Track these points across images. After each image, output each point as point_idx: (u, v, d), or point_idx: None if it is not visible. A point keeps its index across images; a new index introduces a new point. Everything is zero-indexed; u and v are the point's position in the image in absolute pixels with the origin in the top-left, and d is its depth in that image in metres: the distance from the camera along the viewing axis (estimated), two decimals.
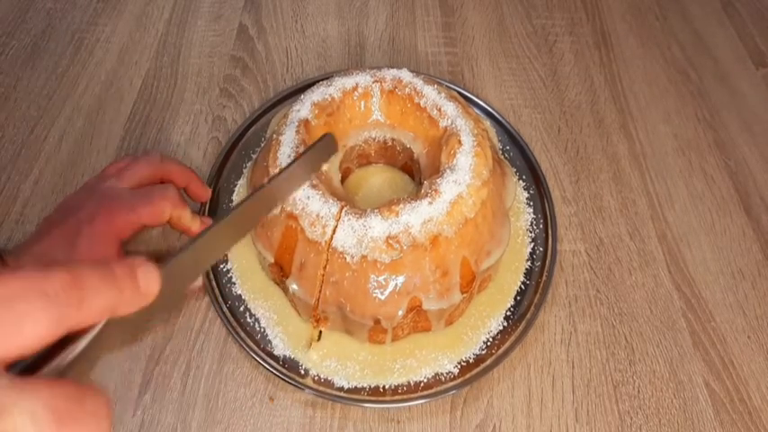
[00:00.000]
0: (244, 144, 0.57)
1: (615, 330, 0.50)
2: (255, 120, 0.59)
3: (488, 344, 0.47)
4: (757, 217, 0.57)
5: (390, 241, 0.41)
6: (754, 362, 0.48)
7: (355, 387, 0.45)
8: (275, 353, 0.46)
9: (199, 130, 0.61)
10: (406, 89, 0.50)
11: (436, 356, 0.46)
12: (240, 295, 0.49)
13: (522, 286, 0.50)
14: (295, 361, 0.46)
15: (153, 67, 0.66)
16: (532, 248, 0.52)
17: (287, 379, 0.44)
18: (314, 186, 0.43)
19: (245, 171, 0.56)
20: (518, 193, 0.55)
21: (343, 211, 0.42)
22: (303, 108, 0.48)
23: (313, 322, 0.46)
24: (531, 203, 0.55)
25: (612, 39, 0.71)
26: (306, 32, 0.70)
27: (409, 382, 0.45)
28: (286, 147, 0.46)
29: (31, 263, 0.39)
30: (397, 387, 0.45)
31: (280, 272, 0.45)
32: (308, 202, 0.43)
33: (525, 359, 0.48)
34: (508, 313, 0.49)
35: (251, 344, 0.46)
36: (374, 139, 0.53)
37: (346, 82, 0.50)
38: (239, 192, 0.55)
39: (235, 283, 0.50)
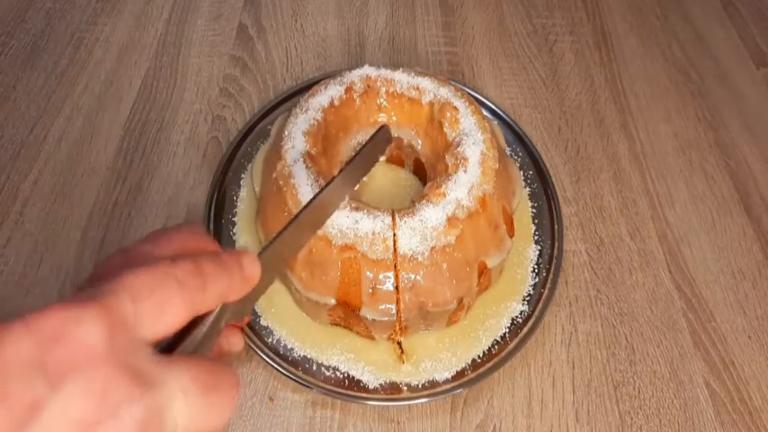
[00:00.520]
0: (245, 148, 0.57)
1: (616, 330, 0.50)
2: (256, 123, 0.58)
3: (492, 345, 0.47)
4: (757, 217, 0.57)
5: (452, 221, 0.43)
6: (755, 362, 0.48)
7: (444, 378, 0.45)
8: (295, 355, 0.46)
9: (198, 130, 0.61)
10: (378, 83, 0.51)
11: (437, 356, 0.46)
12: (306, 356, 0.46)
13: (528, 287, 0.50)
14: (356, 379, 0.45)
15: (153, 67, 0.66)
16: (537, 249, 0.52)
17: (294, 377, 0.44)
18: (355, 209, 0.43)
19: (244, 176, 0.56)
20: (524, 194, 0.55)
21: (397, 217, 0.43)
22: (297, 142, 0.47)
23: (397, 336, 0.46)
24: (536, 203, 0.55)
25: (613, 38, 0.71)
26: (306, 32, 0.70)
27: (410, 382, 0.45)
28: (305, 186, 0.44)
29: None
30: (397, 386, 0.45)
31: (346, 309, 0.45)
32: (358, 225, 0.42)
33: (525, 359, 0.48)
34: (513, 314, 0.48)
35: (259, 343, 0.46)
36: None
37: (322, 100, 0.50)
38: (241, 199, 0.54)
39: (292, 348, 0.47)
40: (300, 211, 0.34)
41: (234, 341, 0.35)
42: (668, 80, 0.67)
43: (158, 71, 0.65)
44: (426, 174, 0.52)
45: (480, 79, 0.66)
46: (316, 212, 0.36)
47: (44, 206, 0.55)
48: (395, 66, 0.52)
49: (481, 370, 0.45)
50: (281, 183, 0.46)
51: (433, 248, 0.43)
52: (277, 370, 0.45)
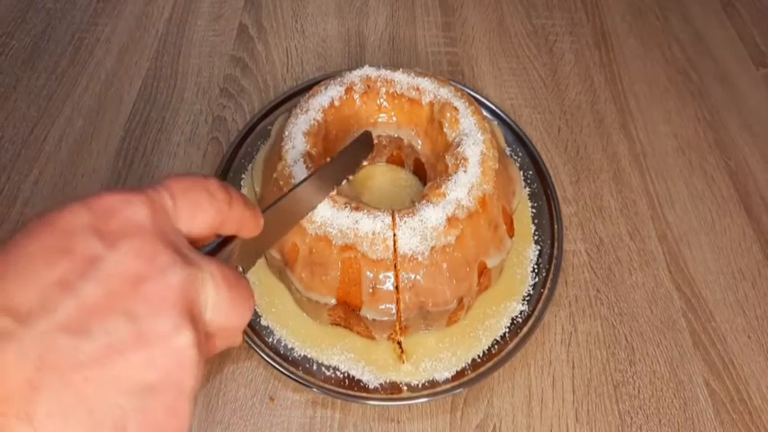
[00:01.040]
0: (245, 148, 0.57)
1: (615, 330, 0.50)
2: (256, 123, 0.58)
3: (492, 345, 0.47)
4: (757, 217, 0.57)
5: (452, 221, 0.43)
6: (755, 362, 0.48)
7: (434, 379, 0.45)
8: (295, 354, 0.46)
9: (199, 130, 0.61)
10: (378, 83, 0.51)
11: (437, 356, 0.46)
12: (306, 356, 0.46)
13: (528, 287, 0.50)
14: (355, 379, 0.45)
15: (153, 67, 0.66)
16: (536, 249, 0.52)
17: (294, 377, 0.44)
18: (355, 209, 0.43)
19: (245, 176, 0.56)
20: (524, 194, 0.55)
21: (397, 217, 0.43)
22: (297, 143, 0.47)
23: (397, 336, 0.46)
24: (536, 203, 0.55)
25: (612, 39, 0.71)
26: (306, 32, 0.70)
27: (410, 382, 0.45)
28: None
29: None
30: (397, 386, 0.45)
31: (346, 309, 0.45)
32: (358, 225, 0.42)
33: (525, 359, 0.48)
34: (513, 314, 0.48)
35: (259, 342, 0.46)
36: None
37: (322, 101, 0.50)
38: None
39: (292, 348, 0.47)
40: (279, 199, 0.37)
41: None
42: (668, 80, 0.67)
43: (159, 71, 0.66)
44: (426, 174, 0.52)
45: (480, 79, 0.66)
46: (294, 204, 0.40)
47: (45, 207, 0.55)
48: (395, 66, 0.52)
49: (481, 370, 0.45)
50: (281, 183, 0.46)
51: (433, 248, 0.43)
52: (277, 370, 0.45)
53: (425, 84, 0.51)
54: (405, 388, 0.45)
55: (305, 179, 0.41)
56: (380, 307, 0.44)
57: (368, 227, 0.42)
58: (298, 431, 0.44)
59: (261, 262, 0.50)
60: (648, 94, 0.66)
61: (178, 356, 0.22)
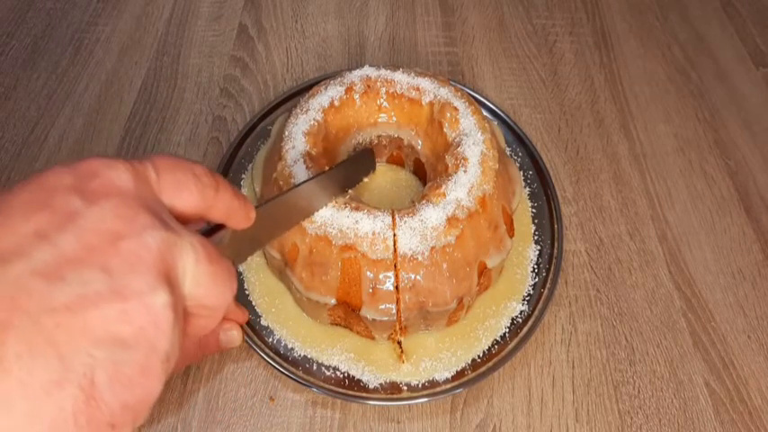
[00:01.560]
0: (245, 148, 0.57)
1: (615, 330, 0.50)
2: (256, 123, 0.58)
3: (492, 345, 0.47)
4: (757, 217, 0.57)
5: (452, 221, 0.43)
6: (755, 362, 0.48)
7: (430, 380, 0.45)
8: (295, 355, 0.46)
9: (199, 131, 0.61)
10: (378, 83, 0.51)
11: (437, 356, 0.46)
12: (306, 356, 0.46)
13: (528, 287, 0.50)
14: (355, 379, 0.45)
15: (153, 67, 0.66)
16: (536, 249, 0.52)
17: (294, 377, 0.44)
18: (355, 208, 0.43)
19: (245, 176, 0.56)
20: (524, 194, 0.55)
21: (397, 217, 0.43)
22: (297, 143, 0.47)
23: (397, 335, 0.46)
24: (536, 203, 0.55)
25: (612, 39, 0.71)
26: (306, 32, 0.70)
27: (410, 382, 0.45)
28: None
29: None
30: (399, 386, 0.45)
31: (346, 309, 0.45)
32: (358, 225, 0.42)
33: (525, 359, 0.48)
34: (513, 314, 0.49)
35: (259, 342, 0.46)
36: (370, 142, 0.53)
37: (322, 101, 0.50)
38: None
39: (292, 348, 0.47)
40: (274, 197, 0.38)
41: (232, 335, 0.36)
42: (668, 80, 0.67)
43: (159, 71, 0.66)
44: (426, 174, 0.52)
45: (480, 79, 0.66)
46: (289, 205, 0.40)
47: None
48: (395, 66, 0.52)
49: (481, 370, 0.45)
50: (281, 183, 0.46)
51: (433, 248, 0.43)
52: (277, 370, 0.45)
53: (425, 84, 0.51)
54: (405, 388, 0.45)
55: (303, 182, 0.41)
56: (380, 307, 0.44)
57: (368, 227, 0.42)
58: (298, 431, 0.44)
59: (261, 262, 0.50)
60: (648, 94, 0.66)
61: (153, 315, 0.22)
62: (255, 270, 0.50)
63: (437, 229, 0.43)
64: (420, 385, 0.45)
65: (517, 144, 0.58)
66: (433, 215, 0.43)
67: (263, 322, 0.48)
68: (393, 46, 0.69)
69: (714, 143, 0.62)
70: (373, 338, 0.46)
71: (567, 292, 0.51)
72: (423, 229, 0.43)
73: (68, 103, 0.62)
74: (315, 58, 0.68)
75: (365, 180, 0.49)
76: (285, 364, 0.45)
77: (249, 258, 0.50)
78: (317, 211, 0.43)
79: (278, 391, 0.46)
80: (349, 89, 0.51)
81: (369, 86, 0.51)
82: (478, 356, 0.46)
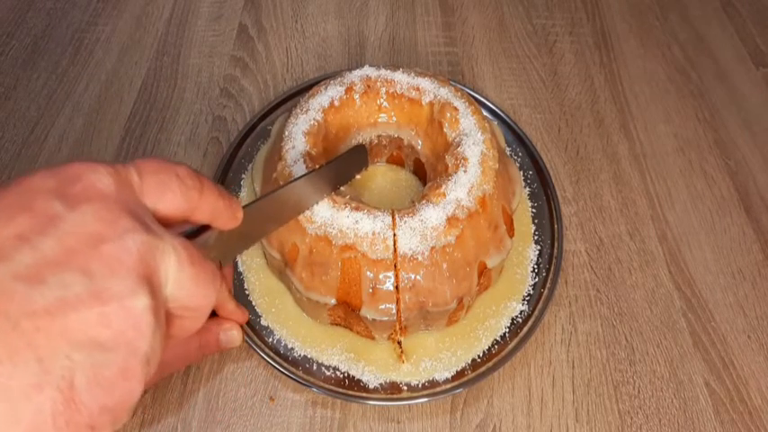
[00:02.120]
0: (245, 148, 0.57)
1: (615, 330, 0.50)
2: (256, 123, 0.58)
3: (492, 345, 0.47)
4: (757, 217, 0.57)
5: (452, 221, 0.43)
6: (755, 362, 0.48)
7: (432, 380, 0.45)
8: (294, 354, 0.46)
9: (199, 131, 0.61)
10: (378, 83, 0.51)
11: (437, 356, 0.46)
12: (306, 356, 0.46)
13: (528, 287, 0.50)
14: (355, 379, 0.45)
15: (153, 68, 0.66)
16: (536, 249, 0.52)
17: (294, 377, 0.44)
18: (355, 208, 0.43)
19: (245, 176, 0.56)
20: (524, 194, 0.55)
21: (397, 217, 0.43)
22: (297, 143, 0.47)
23: (397, 336, 0.46)
24: (536, 203, 0.55)
25: (612, 39, 0.71)
26: (306, 32, 0.70)
27: (410, 382, 0.45)
28: None
29: None
30: (399, 386, 0.45)
31: (346, 309, 0.45)
32: (358, 225, 0.42)
33: (525, 359, 0.48)
34: (513, 314, 0.49)
35: (259, 342, 0.46)
36: (370, 142, 0.53)
37: (322, 101, 0.50)
38: (242, 199, 0.54)
39: (292, 348, 0.47)
40: (263, 196, 0.38)
41: (232, 335, 0.36)
42: (668, 80, 0.67)
43: (159, 71, 0.66)
44: (426, 174, 0.52)
45: (480, 79, 0.66)
46: (279, 203, 0.40)
47: None
48: (395, 66, 0.52)
49: (481, 370, 0.45)
50: (281, 183, 0.46)
51: (433, 248, 0.43)
52: (277, 370, 0.45)
53: (425, 84, 0.51)
54: (405, 388, 0.45)
55: (292, 180, 0.41)
56: (380, 307, 0.44)
57: (368, 227, 0.42)
58: (298, 431, 0.44)
59: (261, 262, 0.50)
60: (648, 94, 0.66)
61: (133, 318, 0.23)
62: (255, 270, 0.50)
63: (437, 229, 0.43)
64: (420, 385, 0.45)
65: (517, 144, 0.58)
66: (433, 215, 0.43)
67: (263, 322, 0.48)
68: (393, 46, 0.69)
69: (714, 143, 0.62)
70: (373, 338, 0.46)
71: (566, 292, 0.51)
72: (423, 229, 0.43)
73: (68, 103, 0.62)
74: (315, 58, 0.68)
75: (357, 177, 0.49)
76: (285, 364, 0.45)
77: (249, 259, 0.50)
78: (309, 208, 0.43)
79: (278, 391, 0.46)
80: (349, 89, 0.51)
81: (369, 86, 0.51)
82: (478, 356, 0.46)
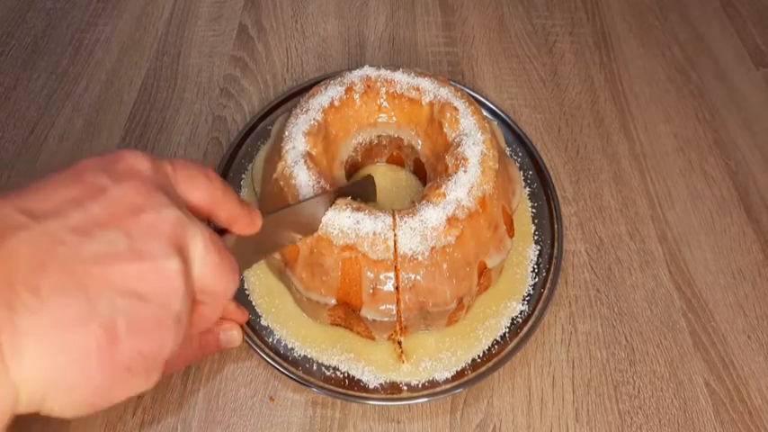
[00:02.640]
0: (245, 148, 0.57)
1: (615, 330, 0.50)
2: (256, 123, 0.58)
3: (492, 345, 0.47)
4: (757, 217, 0.57)
5: (452, 221, 0.43)
6: (755, 362, 0.48)
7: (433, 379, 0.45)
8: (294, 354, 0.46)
9: (199, 131, 0.61)
10: (378, 83, 0.51)
11: (437, 356, 0.46)
12: (306, 356, 0.46)
13: (528, 287, 0.50)
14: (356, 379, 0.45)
15: (153, 67, 0.66)
16: (536, 249, 0.52)
17: (294, 377, 0.44)
18: (356, 209, 0.43)
19: (245, 176, 0.56)
20: (524, 194, 0.55)
21: (398, 217, 0.43)
22: (297, 143, 0.47)
23: (397, 336, 0.46)
24: (536, 203, 0.55)
25: (612, 39, 0.71)
26: (306, 32, 0.70)
27: (410, 382, 0.45)
28: (306, 187, 0.44)
29: None
30: (399, 386, 0.45)
31: (346, 309, 0.45)
32: (359, 225, 0.42)
33: (525, 359, 0.48)
34: (513, 314, 0.49)
35: (259, 342, 0.46)
36: (371, 142, 0.53)
37: (322, 101, 0.50)
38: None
39: (292, 348, 0.47)
40: (282, 208, 0.39)
41: (232, 335, 0.37)
42: (668, 80, 0.67)
43: (159, 71, 0.66)
44: (426, 174, 0.52)
45: (480, 79, 0.66)
46: (294, 217, 0.41)
47: None
48: (395, 66, 0.52)
49: (481, 370, 0.45)
50: (281, 183, 0.46)
51: (433, 248, 0.43)
52: (277, 370, 0.45)
53: (425, 84, 0.51)
54: (405, 388, 0.45)
55: (309, 198, 0.42)
56: (381, 308, 0.44)
57: (369, 227, 0.42)
58: (298, 431, 0.44)
59: (261, 262, 0.50)
60: (648, 94, 0.66)
61: (166, 278, 0.26)
62: (255, 270, 0.50)
63: (437, 229, 0.43)
64: (420, 385, 0.45)
65: (517, 144, 0.58)
66: (433, 215, 0.43)
67: (263, 322, 0.48)
68: (393, 46, 0.69)
69: (714, 143, 0.62)
70: (373, 339, 0.46)
71: (567, 292, 0.51)
72: (423, 229, 0.43)
73: (68, 103, 0.62)
74: (315, 58, 0.68)
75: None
76: (285, 364, 0.45)
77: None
78: (317, 230, 0.44)
79: (278, 391, 0.46)
80: (349, 89, 0.51)
81: (369, 86, 0.51)
82: (478, 356, 0.46)
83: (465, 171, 0.45)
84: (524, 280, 0.50)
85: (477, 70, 0.67)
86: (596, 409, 0.46)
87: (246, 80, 0.65)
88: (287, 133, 0.48)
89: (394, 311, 0.44)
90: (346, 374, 0.45)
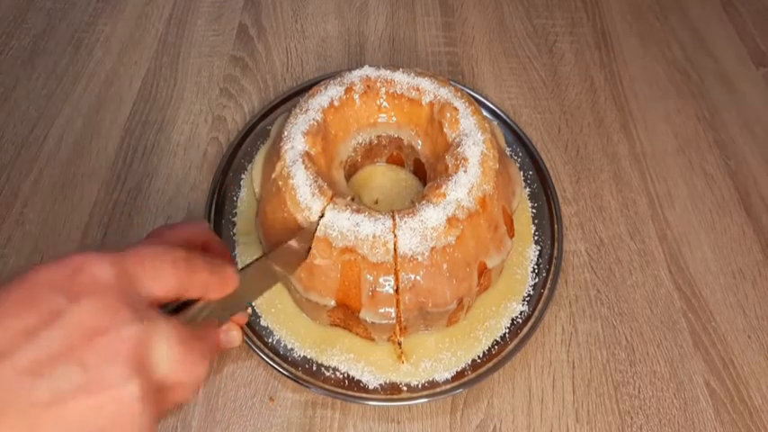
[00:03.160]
0: (245, 148, 0.57)
1: (616, 330, 0.50)
2: (256, 123, 0.58)
3: (492, 345, 0.47)
4: (757, 217, 0.57)
5: (452, 221, 0.43)
6: (755, 362, 0.48)
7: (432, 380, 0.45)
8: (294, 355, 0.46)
9: (198, 131, 0.61)
10: (377, 83, 0.51)
11: (437, 356, 0.46)
12: (306, 356, 0.46)
13: (528, 288, 0.50)
14: (356, 379, 0.45)
15: (153, 67, 0.66)
16: (536, 249, 0.52)
17: (294, 377, 0.44)
18: (356, 211, 0.43)
19: (244, 176, 0.56)
20: (524, 194, 0.55)
21: (397, 218, 0.43)
22: (296, 143, 0.47)
23: (397, 337, 0.46)
24: (536, 203, 0.55)
25: (612, 38, 0.71)
26: (306, 32, 0.70)
27: (410, 382, 0.45)
28: (304, 187, 0.44)
29: None
30: (398, 386, 0.45)
31: (346, 311, 0.45)
32: (359, 228, 0.42)
33: (526, 359, 0.48)
34: (513, 315, 0.48)
35: (259, 343, 0.46)
36: (370, 142, 0.53)
37: (322, 101, 0.50)
38: (241, 199, 0.54)
39: (292, 349, 0.47)
40: (256, 260, 0.39)
41: (232, 335, 0.37)
42: (668, 80, 0.67)
43: (158, 71, 0.65)
44: (426, 174, 0.52)
45: (480, 79, 0.66)
46: (269, 266, 0.41)
47: (44, 206, 0.55)
48: (395, 66, 0.52)
49: (481, 370, 0.45)
50: (280, 183, 0.46)
51: (433, 249, 0.43)
52: (277, 370, 0.45)
53: (425, 84, 0.51)
54: (404, 388, 0.45)
55: (283, 246, 0.41)
56: (380, 310, 0.43)
57: (368, 229, 0.42)
58: (297, 431, 0.44)
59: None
60: (648, 94, 0.66)
61: (125, 405, 0.25)
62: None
63: (437, 229, 0.43)
64: (420, 386, 0.45)
65: (517, 144, 0.58)
66: (433, 215, 0.43)
67: (263, 323, 0.48)
68: (393, 46, 0.69)
69: (714, 143, 0.62)
70: (373, 340, 0.46)
71: (567, 293, 0.51)
72: (423, 229, 0.43)
73: (68, 102, 0.62)
74: (315, 58, 0.68)
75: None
76: (285, 365, 0.45)
77: (249, 259, 0.50)
78: (298, 267, 0.44)
79: (278, 392, 0.46)
80: (349, 89, 0.51)
81: (369, 86, 0.51)
82: (478, 357, 0.46)
83: (465, 171, 0.45)
84: (524, 280, 0.50)
85: (477, 70, 0.67)
86: (596, 410, 0.46)
87: (246, 80, 0.65)
88: (286, 133, 0.48)
89: (393, 314, 0.44)
90: (346, 375, 0.45)
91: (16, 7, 0.71)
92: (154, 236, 0.42)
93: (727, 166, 0.60)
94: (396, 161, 0.56)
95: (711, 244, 0.55)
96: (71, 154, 0.58)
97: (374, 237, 0.42)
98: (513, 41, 0.70)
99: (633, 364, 0.48)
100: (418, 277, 0.43)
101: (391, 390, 0.45)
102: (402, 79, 0.51)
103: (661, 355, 0.48)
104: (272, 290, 0.49)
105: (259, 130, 0.58)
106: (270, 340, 0.47)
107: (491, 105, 0.59)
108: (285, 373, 0.44)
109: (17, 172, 0.57)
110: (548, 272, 0.50)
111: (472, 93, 0.59)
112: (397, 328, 0.45)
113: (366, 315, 0.43)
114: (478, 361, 0.46)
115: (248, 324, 0.47)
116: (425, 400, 0.44)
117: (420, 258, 0.43)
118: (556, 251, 0.51)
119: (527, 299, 0.49)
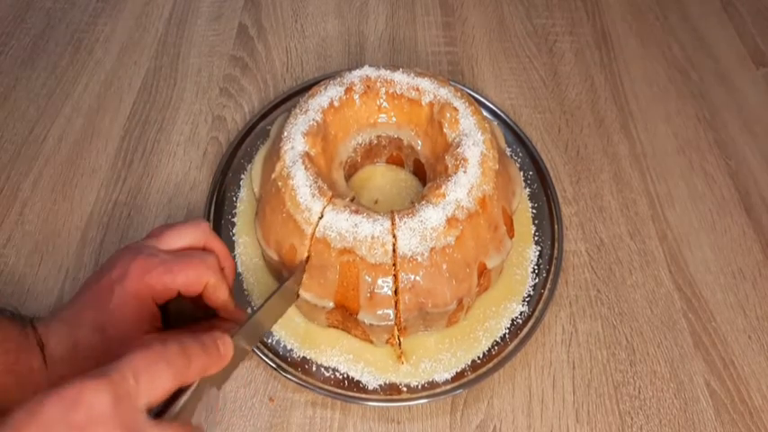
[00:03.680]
0: (244, 148, 0.57)
1: (616, 330, 0.49)
2: (256, 123, 0.58)
3: (492, 345, 0.47)
4: (757, 217, 0.57)
5: (451, 222, 0.43)
6: (755, 362, 0.48)
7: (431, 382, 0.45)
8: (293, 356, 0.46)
9: (198, 130, 0.61)
10: (377, 83, 0.51)
11: (437, 357, 0.46)
12: (305, 357, 0.46)
13: (528, 288, 0.50)
14: (355, 380, 0.45)
15: (153, 67, 0.66)
16: (537, 250, 0.52)
17: (294, 378, 0.44)
18: (354, 212, 0.43)
19: (244, 176, 0.56)
20: (524, 194, 0.55)
21: (397, 218, 0.43)
22: (296, 143, 0.47)
23: (395, 340, 0.46)
24: (536, 203, 0.55)
25: (613, 39, 0.71)
26: (306, 32, 0.70)
27: (409, 383, 0.45)
28: (304, 187, 0.44)
29: (61, 327, 0.38)
30: (398, 387, 0.45)
31: (344, 313, 0.45)
32: (357, 229, 0.42)
33: (526, 359, 0.48)
34: (513, 315, 0.48)
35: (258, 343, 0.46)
36: (370, 142, 0.53)
37: (322, 101, 0.50)
38: (241, 199, 0.54)
39: (291, 349, 0.47)
40: (267, 300, 0.41)
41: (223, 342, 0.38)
42: (668, 80, 0.67)
43: (158, 71, 0.65)
44: (426, 174, 0.52)
45: (480, 79, 0.66)
46: (284, 295, 0.43)
47: (44, 206, 0.55)
48: (395, 66, 0.52)
49: (481, 371, 0.45)
50: (279, 184, 0.46)
51: (432, 249, 0.43)
52: (277, 371, 0.45)
53: (425, 84, 0.51)
54: (404, 389, 0.45)
55: (268, 298, 0.42)
56: (378, 312, 0.43)
57: (367, 230, 0.42)
58: (297, 431, 0.44)
59: (260, 263, 0.50)
60: (648, 94, 0.66)
61: None
62: (254, 271, 0.50)
63: (437, 229, 0.43)
64: (420, 386, 0.45)
65: (517, 144, 0.58)
66: (432, 216, 0.43)
67: None
68: (393, 46, 0.69)
69: (714, 143, 0.62)
70: (371, 342, 0.46)
71: (567, 293, 0.51)
72: (422, 229, 0.43)
73: (68, 102, 0.62)
74: (315, 58, 0.67)
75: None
76: (285, 365, 0.45)
77: (248, 259, 0.51)
78: (282, 315, 0.45)
79: (277, 392, 0.46)
80: (349, 89, 0.51)
81: (368, 87, 0.51)
82: (478, 357, 0.46)
83: (465, 171, 0.45)
84: (524, 281, 0.50)
85: (477, 70, 0.67)
86: (597, 410, 0.46)
87: (246, 80, 0.65)
88: (286, 133, 0.48)
89: (391, 316, 0.44)
90: (346, 375, 0.45)
91: (16, 7, 0.71)
92: (153, 235, 0.42)
93: (727, 166, 0.60)
94: (395, 161, 0.55)
95: (711, 244, 0.55)
96: (71, 154, 0.58)
97: (372, 238, 0.42)
98: (513, 41, 0.70)
99: (633, 364, 0.48)
100: (418, 278, 0.43)
101: (391, 390, 0.45)
102: (402, 79, 0.51)
103: (661, 355, 0.48)
104: (272, 290, 0.49)
105: (259, 130, 0.58)
106: (269, 341, 0.47)
107: (491, 105, 0.59)
108: (285, 373, 0.44)
109: (17, 172, 0.57)
110: (548, 272, 0.50)
111: (472, 93, 0.59)
112: (396, 330, 0.45)
113: (364, 317, 0.43)
114: (478, 361, 0.46)
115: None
116: (425, 400, 0.44)
117: (420, 259, 0.42)
118: (556, 251, 0.51)
119: (527, 299, 0.49)
